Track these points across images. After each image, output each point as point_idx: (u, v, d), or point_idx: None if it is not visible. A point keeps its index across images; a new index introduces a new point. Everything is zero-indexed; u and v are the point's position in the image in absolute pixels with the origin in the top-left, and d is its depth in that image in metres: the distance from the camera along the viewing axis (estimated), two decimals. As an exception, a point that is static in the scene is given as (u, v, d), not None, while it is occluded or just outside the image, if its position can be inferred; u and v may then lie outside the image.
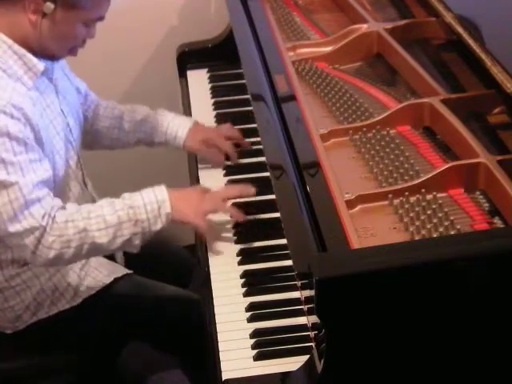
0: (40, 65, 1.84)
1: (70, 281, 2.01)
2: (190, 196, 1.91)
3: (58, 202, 1.84)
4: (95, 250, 1.84)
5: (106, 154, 2.57)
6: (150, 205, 1.84)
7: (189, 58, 2.62)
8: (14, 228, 1.77)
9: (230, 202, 1.94)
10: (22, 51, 1.82)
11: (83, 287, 2.02)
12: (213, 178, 2.11)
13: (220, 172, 2.14)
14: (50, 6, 1.75)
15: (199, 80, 2.56)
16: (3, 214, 1.76)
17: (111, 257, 2.15)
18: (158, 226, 1.85)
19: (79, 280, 2.02)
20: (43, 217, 1.78)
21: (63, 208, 1.83)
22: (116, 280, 2.06)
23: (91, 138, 2.22)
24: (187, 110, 2.42)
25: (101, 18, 1.85)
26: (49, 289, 2.00)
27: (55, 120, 1.91)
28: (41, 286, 1.99)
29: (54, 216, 1.79)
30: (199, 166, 2.19)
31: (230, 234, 1.94)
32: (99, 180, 2.28)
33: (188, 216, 1.87)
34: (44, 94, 1.89)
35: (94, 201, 2.09)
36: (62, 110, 1.96)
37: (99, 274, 2.05)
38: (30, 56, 1.83)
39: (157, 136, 2.20)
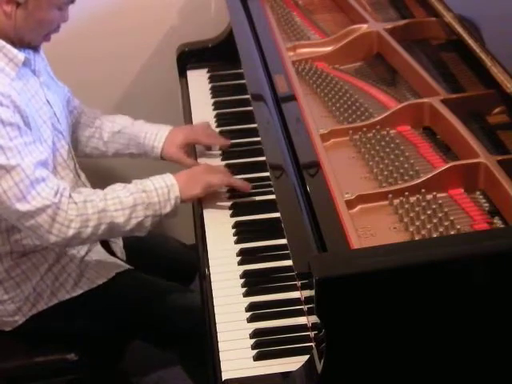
0: (21, 55, 1.88)
1: (70, 272, 2.04)
2: (195, 174, 2.00)
3: (65, 183, 1.89)
4: (111, 229, 1.90)
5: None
6: (160, 189, 1.92)
7: (189, 57, 2.62)
8: (24, 208, 1.80)
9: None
10: (1, 43, 1.85)
11: (84, 279, 2.04)
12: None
13: (220, 172, 2.14)
14: None
15: (199, 80, 2.56)
16: (11, 198, 1.79)
17: (112, 253, 2.16)
18: (168, 209, 1.93)
19: (80, 272, 2.04)
20: (55, 195, 1.82)
21: (78, 191, 1.90)
22: (117, 275, 2.07)
23: (73, 144, 2.20)
24: (187, 110, 2.41)
25: (72, 1, 1.90)
26: (49, 279, 2.02)
27: (41, 110, 1.94)
28: (41, 276, 2.01)
29: (71, 196, 1.85)
30: (199, 162, 2.19)
31: (230, 234, 1.94)
32: (98, 178, 2.28)
33: (196, 192, 1.96)
34: (28, 85, 1.92)
35: None
36: (47, 100, 1.98)
37: (101, 268, 2.07)
38: (9, 47, 1.86)
39: (134, 148, 2.22)
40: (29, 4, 1.82)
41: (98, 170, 2.37)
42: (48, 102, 1.98)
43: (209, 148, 2.22)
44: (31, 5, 1.82)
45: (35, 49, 1.97)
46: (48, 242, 1.87)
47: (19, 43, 1.88)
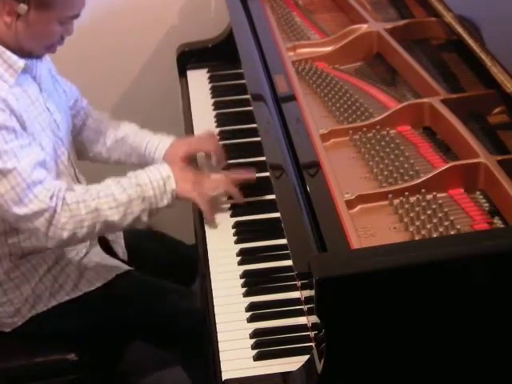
0: (20, 62, 1.86)
1: (70, 273, 2.03)
2: (194, 175, 1.96)
3: (61, 183, 1.87)
4: (107, 227, 1.89)
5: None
6: (155, 181, 1.89)
7: (189, 57, 2.62)
8: (21, 211, 1.79)
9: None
10: (1, 49, 1.84)
11: (83, 280, 2.04)
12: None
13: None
14: (23, 7, 1.77)
15: (199, 80, 2.56)
16: (8, 202, 1.79)
17: (113, 253, 2.16)
18: (165, 202, 1.90)
19: (79, 273, 2.04)
20: (51, 198, 1.81)
21: (71, 190, 1.87)
22: (117, 276, 2.07)
23: (76, 147, 2.19)
24: (187, 110, 2.41)
25: (76, 16, 1.87)
26: (48, 281, 2.02)
27: (40, 116, 1.92)
28: (39, 278, 2.01)
29: (64, 197, 1.83)
30: (199, 165, 2.19)
31: (230, 234, 1.94)
32: (97, 180, 2.27)
33: (191, 193, 1.92)
34: (28, 91, 1.90)
35: None
36: (47, 107, 1.96)
37: (100, 269, 2.06)
38: (9, 53, 1.84)
39: (136, 158, 2.17)
40: (29, 16, 1.79)
41: (96, 175, 2.37)
42: (48, 108, 1.96)
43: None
44: (32, 17, 1.79)
45: (38, 58, 1.94)
46: (46, 244, 1.87)
47: (20, 53, 1.86)
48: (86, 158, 2.25)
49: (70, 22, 1.88)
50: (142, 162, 2.15)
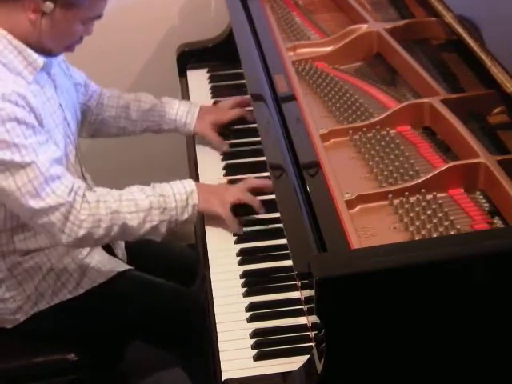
0: (40, 60, 1.87)
1: (72, 271, 2.03)
2: (216, 188, 1.97)
3: (81, 181, 1.88)
4: (124, 232, 1.87)
5: (107, 151, 2.58)
6: (179, 195, 1.89)
7: (189, 57, 2.62)
8: (38, 205, 1.79)
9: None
10: (22, 46, 1.84)
11: (85, 278, 2.04)
12: (213, 178, 2.11)
13: (220, 172, 2.14)
14: (49, 5, 1.78)
15: (199, 80, 2.56)
16: (25, 195, 1.78)
17: (113, 254, 2.16)
18: (185, 216, 1.90)
19: (81, 271, 2.04)
20: (69, 193, 1.81)
21: (93, 190, 1.88)
22: (118, 275, 2.07)
23: (96, 127, 2.26)
24: (187, 110, 2.41)
25: (99, 17, 1.89)
26: (51, 279, 2.02)
27: (55, 114, 1.94)
28: (43, 275, 2.01)
29: (84, 195, 1.84)
30: (199, 165, 2.19)
31: (230, 234, 1.94)
32: (100, 178, 2.27)
33: (214, 206, 1.91)
34: (44, 88, 1.92)
35: None
36: (60, 104, 1.98)
37: (102, 267, 2.07)
38: (29, 51, 1.85)
39: (165, 124, 2.25)
40: (55, 14, 1.79)
41: (102, 172, 2.37)
42: (60, 105, 1.98)
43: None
44: (57, 16, 1.80)
45: (55, 56, 1.95)
46: (60, 242, 1.86)
47: (40, 50, 1.87)
48: (109, 135, 2.29)
49: (92, 22, 1.89)
50: (172, 127, 2.25)
